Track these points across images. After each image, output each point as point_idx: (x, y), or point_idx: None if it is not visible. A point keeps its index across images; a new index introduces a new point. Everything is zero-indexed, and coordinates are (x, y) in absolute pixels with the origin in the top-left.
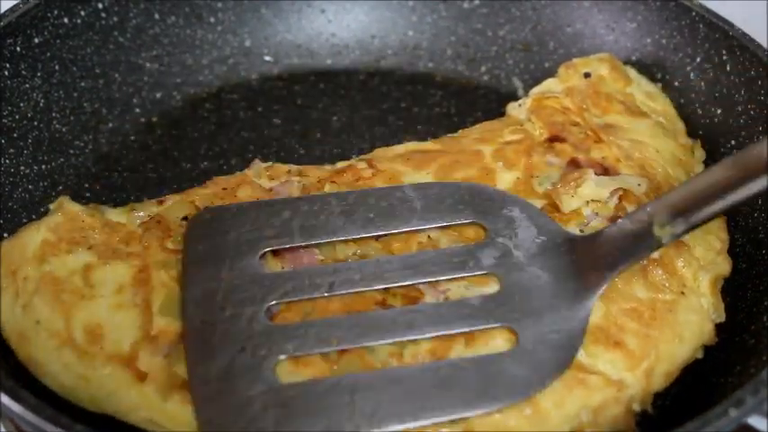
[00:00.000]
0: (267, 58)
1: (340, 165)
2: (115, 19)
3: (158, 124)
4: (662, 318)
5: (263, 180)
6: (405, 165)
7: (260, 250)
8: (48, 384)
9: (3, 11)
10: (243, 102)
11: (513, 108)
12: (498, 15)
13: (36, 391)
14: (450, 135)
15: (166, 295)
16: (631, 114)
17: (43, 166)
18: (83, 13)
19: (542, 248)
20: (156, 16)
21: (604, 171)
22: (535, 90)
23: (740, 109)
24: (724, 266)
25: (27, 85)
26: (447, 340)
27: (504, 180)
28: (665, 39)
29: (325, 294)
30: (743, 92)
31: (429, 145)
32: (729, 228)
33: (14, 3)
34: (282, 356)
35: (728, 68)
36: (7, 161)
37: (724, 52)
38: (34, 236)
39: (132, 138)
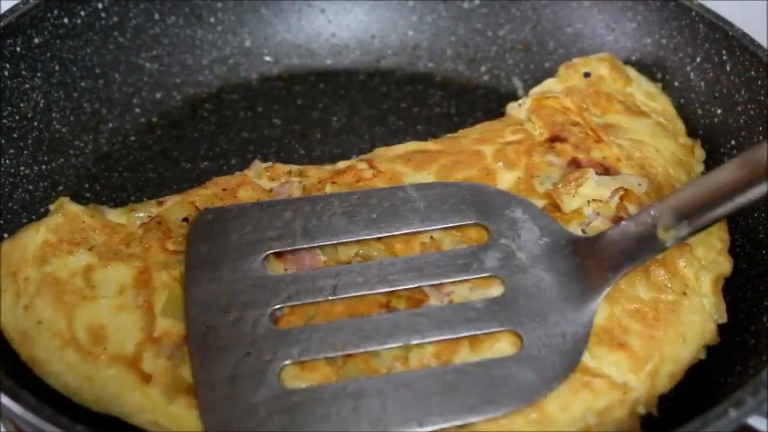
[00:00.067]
0: (267, 58)
1: (340, 165)
2: (115, 19)
3: (158, 124)
4: (665, 318)
5: (263, 181)
6: (405, 165)
7: (263, 252)
8: (51, 384)
9: (3, 11)
10: (243, 102)
11: (513, 108)
12: (498, 15)
13: (36, 392)
14: (450, 135)
15: (168, 296)
16: (631, 114)
17: (43, 167)
18: (83, 13)
19: (546, 250)
20: (156, 16)
21: (605, 171)
22: (535, 90)
23: (740, 109)
24: (725, 266)
25: (27, 86)
26: (452, 344)
27: (505, 180)
28: (665, 39)
29: (330, 298)
30: (743, 92)
31: (429, 145)
32: (729, 228)
33: (14, 3)
34: (287, 361)
35: (728, 68)
36: (7, 161)
37: (724, 52)
38: (34, 237)
39: (132, 138)
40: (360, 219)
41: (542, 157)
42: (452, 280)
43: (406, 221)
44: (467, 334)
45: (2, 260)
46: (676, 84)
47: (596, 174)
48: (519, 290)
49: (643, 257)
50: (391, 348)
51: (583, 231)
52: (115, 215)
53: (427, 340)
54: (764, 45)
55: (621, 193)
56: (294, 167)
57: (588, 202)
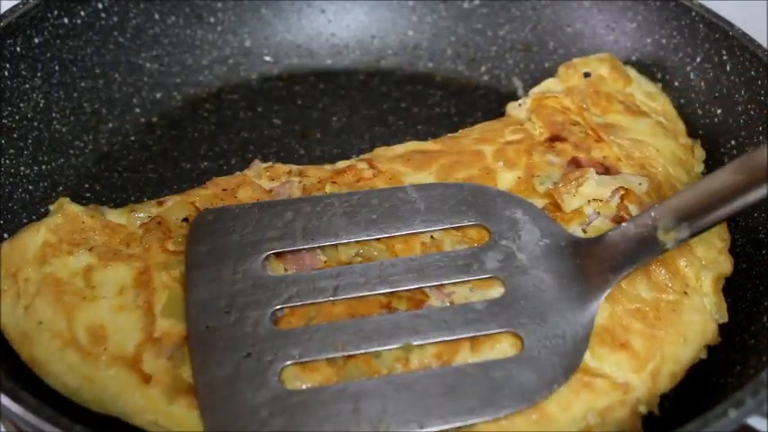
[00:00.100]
0: (267, 58)
1: (340, 165)
2: (115, 19)
3: (158, 124)
4: (666, 318)
5: (263, 181)
6: (405, 165)
7: (263, 253)
8: (51, 384)
9: (3, 11)
10: (243, 102)
11: (513, 108)
12: (498, 15)
13: (36, 392)
14: (450, 135)
15: (168, 297)
16: (631, 114)
17: (43, 167)
18: (83, 13)
19: (546, 251)
20: (156, 16)
21: (605, 170)
22: (535, 90)
23: (740, 109)
24: (726, 266)
25: (27, 86)
26: (453, 345)
27: (506, 180)
28: (665, 39)
29: (330, 298)
30: (743, 92)
31: (429, 145)
32: (729, 228)
33: (14, 3)
34: (288, 362)
35: (728, 68)
36: (7, 161)
37: (724, 52)
38: (34, 237)
39: (132, 138)
40: (360, 219)
41: (542, 156)
42: (453, 281)
43: (407, 222)
44: (467, 335)
45: (2, 261)
46: (676, 84)
47: (596, 173)
48: (519, 291)
49: (643, 259)
50: (392, 349)
51: (583, 231)
52: (115, 215)
53: (428, 341)
54: (764, 45)
55: (622, 192)
56: (294, 167)
57: (589, 201)
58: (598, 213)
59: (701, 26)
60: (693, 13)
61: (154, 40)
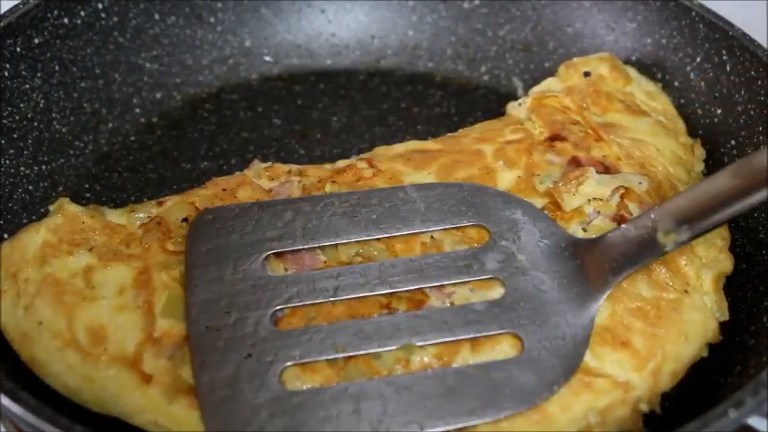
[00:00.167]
0: (267, 58)
1: (340, 164)
2: (115, 19)
3: (158, 124)
4: (667, 316)
5: (262, 180)
6: (405, 165)
7: (263, 253)
8: (51, 385)
9: (3, 11)
10: (243, 102)
11: (513, 107)
12: (498, 15)
13: (36, 393)
14: (450, 134)
15: (168, 297)
16: (631, 113)
17: (43, 167)
18: (83, 13)
19: (546, 252)
20: (156, 16)
21: (605, 169)
22: (535, 89)
23: (740, 109)
24: (726, 264)
25: (27, 86)
26: (453, 345)
27: (506, 179)
28: (665, 39)
29: (330, 299)
30: (743, 92)
31: (429, 144)
32: (729, 227)
33: (14, 3)
34: (288, 363)
35: (728, 68)
36: (7, 162)
37: (724, 52)
38: (34, 237)
39: (132, 138)
40: (360, 219)
41: (542, 155)
42: (453, 281)
43: (407, 222)
44: (467, 336)
45: (2, 261)
46: (676, 84)
47: (597, 172)
48: (519, 292)
49: (643, 261)
50: (392, 350)
51: (583, 230)
52: (115, 216)
53: (428, 342)
54: (764, 45)
55: (622, 191)
56: (294, 167)
57: (589, 200)
58: (598, 212)
59: (701, 26)
60: (693, 13)
61: (154, 40)
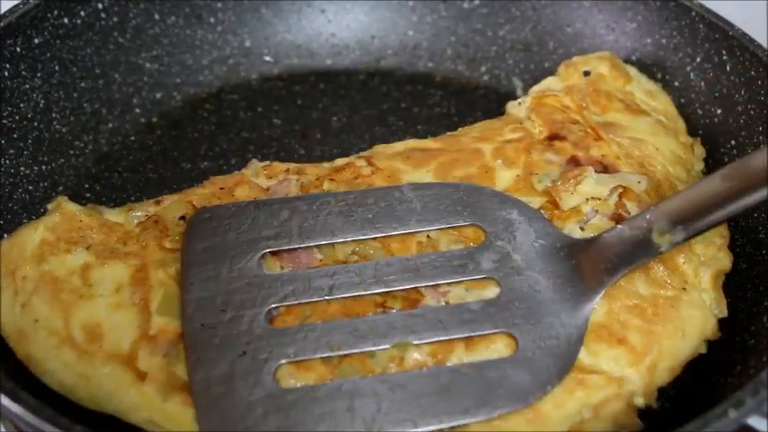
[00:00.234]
0: (267, 58)
1: (339, 162)
2: (115, 19)
3: (158, 124)
4: (664, 313)
5: (260, 179)
6: (404, 163)
7: (259, 251)
8: (47, 382)
9: (3, 11)
10: (243, 102)
11: (512, 107)
12: (498, 15)
13: (36, 392)
14: (449, 133)
15: (164, 295)
16: (631, 112)
17: (43, 167)
18: (83, 13)
19: (541, 252)
20: (156, 16)
21: (604, 169)
22: (535, 88)
23: (740, 109)
24: (725, 262)
25: (27, 86)
26: (448, 344)
27: (504, 178)
28: (665, 39)
29: (326, 297)
30: (743, 92)
31: (428, 143)
32: (729, 227)
33: (14, 3)
34: (283, 361)
35: (728, 68)
36: (7, 162)
37: (724, 52)
38: (32, 235)
39: (132, 138)
40: (356, 218)
41: (541, 155)
42: (448, 281)
43: (403, 221)
44: (462, 335)
45: (1, 258)
46: (676, 84)
47: (595, 172)
48: (514, 292)
49: (638, 261)
50: (386, 349)
51: (581, 229)
52: (113, 214)
53: (422, 341)
54: (764, 45)
55: (620, 190)
56: (292, 165)
57: (587, 199)
58: (596, 211)
59: (701, 26)
60: (693, 13)
61: (154, 40)
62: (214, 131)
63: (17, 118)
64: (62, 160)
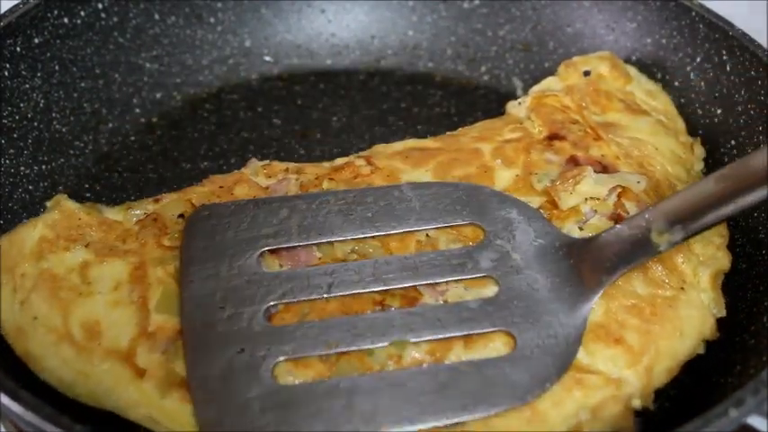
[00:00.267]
0: (267, 58)
1: (338, 162)
2: (115, 19)
3: (158, 124)
4: (662, 313)
5: (260, 178)
6: (403, 162)
7: (258, 249)
8: (46, 379)
9: (3, 11)
10: (243, 102)
11: (512, 106)
12: (498, 15)
13: (36, 391)
14: (449, 133)
15: (163, 292)
16: (631, 112)
17: (43, 167)
18: (83, 13)
19: (540, 251)
20: (156, 16)
21: (603, 169)
22: (535, 88)
23: (740, 109)
24: (724, 262)
25: (27, 86)
26: (446, 342)
27: (503, 178)
28: (665, 39)
29: (324, 296)
30: (743, 92)
31: (428, 142)
32: (729, 227)
33: (14, 3)
34: (281, 358)
35: (728, 68)
36: (7, 161)
37: (724, 52)
38: (31, 233)
39: (132, 138)
40: (356, 217)
41: (541, 154)
42: (447, 279)
43: (402, 220)
44: (460, 333)
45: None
46: (676, 84)
47: (594, 172)
48: (513, 291)
49: (637, 261)
50: (385, 347)
51: (580, 228)
52: (112, 212)
53: (421, 339)
54: (764, 45)
55: (619, 190)
56: (291, 165)
57: (586, 199)
58: (595, 211)
59: (701, 26)
60: (693, 13)
61: (154, 40)
62: (214, 131)
63: (17, 118)
64: (62, 160)
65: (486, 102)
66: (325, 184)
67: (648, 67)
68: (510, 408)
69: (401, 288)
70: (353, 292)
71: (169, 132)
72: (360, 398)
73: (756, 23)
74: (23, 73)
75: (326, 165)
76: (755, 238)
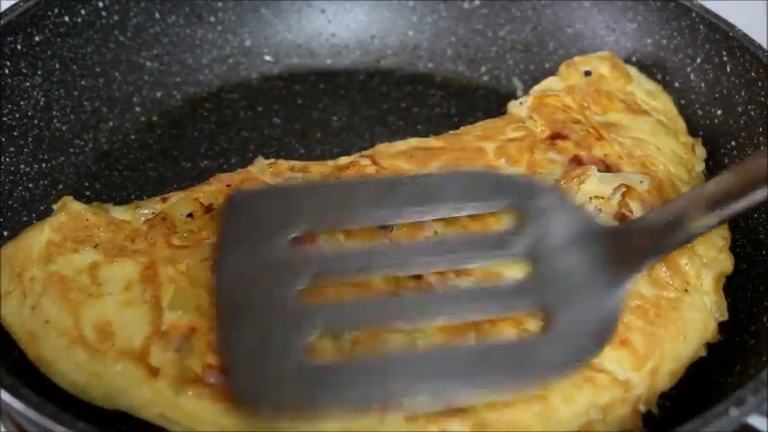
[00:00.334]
0: (267, 58)
1: (342, 161)
2: (116, 18)
3: (158, 123)
4: (666, 315)
5: (266, 176)
6: (408, 162)
7: (292, 232)
8: (59, 383)
9: (3, 9)
10: (243, 101)
11: (514, 106)
12: (498, 15)
13: (38, 389)
14: (452, 132)
15: (175, 290)
16: (632, 112)
17: (43, 165)
18: (83, 11)
19: (574, 237)
20: (157, 15)
21: (606, 168)
22: (536, 88)
23: (740, 110)
24: (726, 264)
25: (27, 84)
26: (478, 324)
27: None
28: (666, 39)
29: (358, 277)
30: (743, 93)
31: (431, 142)
32: (730, 227)
33: (15, 1)
34: (313, 337)
35: (729, 69)
36: (7, 160)
37: (724, 53)
38: (38, 236)
39: (132, 137)
40: (390, 203)
41: (544, 154)
42: (483, 262)
43: (437, 207)
44: (494, 314)
45: (7, 262)
46: (677, 84)
47: (598, 171)
48: (547, 274)
49: (672, 246)
50: (418, 327)
51: None
52: (119, 212)
53: (456, 320)
54: (765, 46)
55: (623, 190)
56: (297, 163)
57: (590, 198)
58: (600, 210)
59: (701, 27)
60: (694, 14)
61: (154, 39)
62: (214, 130)
63: (17, 116)
64: (62, 158)
65: (487, 102)
66: None
67: (649, 68)
68: (543, 386)
69: (437, 270)
70: (388, 273)
71: (169, 131)
72: (393, 374)
73: (756, 24)
74: (24, 71)
75: (331, 163)
76: (755, 239)
